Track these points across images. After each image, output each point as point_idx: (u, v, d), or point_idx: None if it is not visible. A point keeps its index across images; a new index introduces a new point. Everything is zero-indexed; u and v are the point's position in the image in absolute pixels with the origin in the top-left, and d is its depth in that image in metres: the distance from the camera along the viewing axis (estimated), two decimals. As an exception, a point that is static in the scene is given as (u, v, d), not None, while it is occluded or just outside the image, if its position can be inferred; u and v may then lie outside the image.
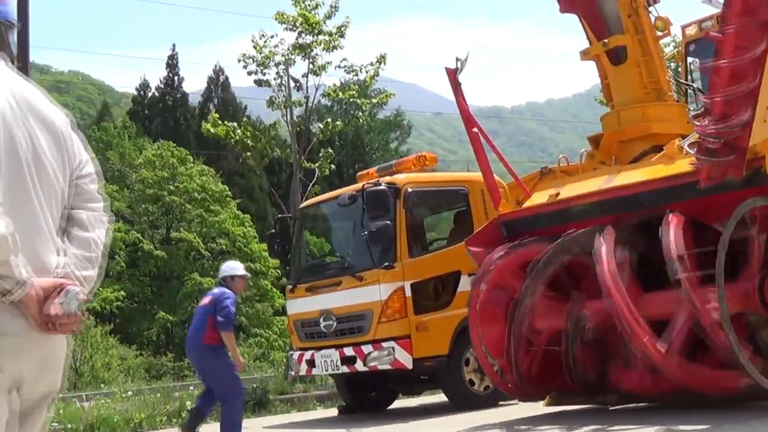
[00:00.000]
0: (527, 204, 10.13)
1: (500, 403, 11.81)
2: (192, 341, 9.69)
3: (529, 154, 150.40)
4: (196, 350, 9.65)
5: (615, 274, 8.15)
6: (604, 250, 8.30)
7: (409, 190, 11.82)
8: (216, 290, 9.77)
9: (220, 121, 19.24)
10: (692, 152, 8.00)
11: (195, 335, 9.60)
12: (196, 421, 9.90)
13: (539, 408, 9.76)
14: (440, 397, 13.07)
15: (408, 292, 11.38)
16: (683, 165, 8.50)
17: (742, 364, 7.54)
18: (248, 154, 19.13)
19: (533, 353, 9.28)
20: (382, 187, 11.50)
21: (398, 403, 13.94)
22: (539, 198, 9.98)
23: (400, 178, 12.06)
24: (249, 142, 18.94)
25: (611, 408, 9.51)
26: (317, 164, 19.29)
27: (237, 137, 18.81)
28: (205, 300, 9.82)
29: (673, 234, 7.91)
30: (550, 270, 9.02)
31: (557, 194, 9.67)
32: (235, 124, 19.42)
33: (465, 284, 11.08)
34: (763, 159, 7.94)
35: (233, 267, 10.05)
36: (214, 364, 9.49)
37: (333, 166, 20.01)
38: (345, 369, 11.78)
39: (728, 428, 6.96)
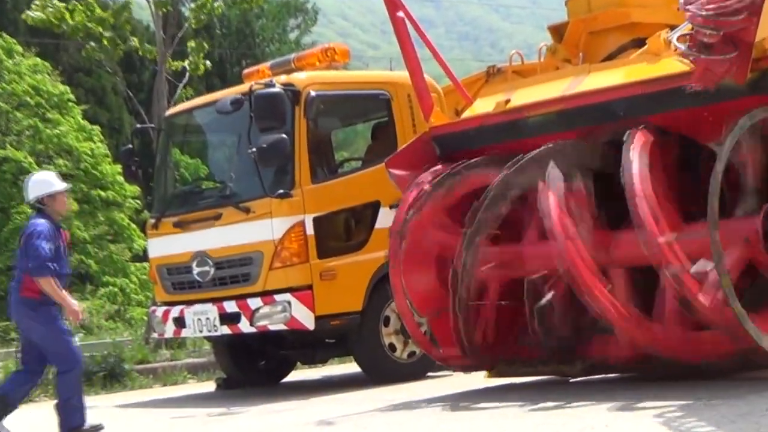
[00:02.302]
0: (467, 114, 10.14)
1: (428, 374, 11.95)
2: (9, 296, 9.64)
3: (474, 50, 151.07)
4: (13, 307, 9.51)
5: (561, 206, 8.17)
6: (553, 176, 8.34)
7: (313, 93, 11.72)
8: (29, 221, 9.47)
9: (49, 3, 18.60)
10: (682, 48, 8.03)
11: (11, 287, 9.55)
12: (3, 411, 9.48)
13: (479, 380, 9.88)
14: (351, 367, 13.17)
15: (310, 229, 11.37)
16: (670, 64, 8.55)
17: (742, 322, 7.68)
18: (92, 45, 18.66)
19: (482, 312, 9.26)
20: (276, 89, 11.34)
21: (296, 375, 14.03)
22: (484, 106, 9.99)
23: (300, 77, 11.95)
24: (94, 27, 18.44)
25: (572, 380, 9.68)
26: (188, 59, 18.98)
27: (73, 23, 18.24)
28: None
29: (638, 164, 8.00)
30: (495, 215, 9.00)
31: (507, 101, 9.67)
32: (70, 3, 18.79)
33: (386, 219, 11.09)
34: (773, 57, 8.03)
35: (45, 181, 9.56)
36: (37, 324, 9.28)
37: (209, 63, 19.72)
38: (225, 330, 11.75)
39: (721, 403, 7.14)
